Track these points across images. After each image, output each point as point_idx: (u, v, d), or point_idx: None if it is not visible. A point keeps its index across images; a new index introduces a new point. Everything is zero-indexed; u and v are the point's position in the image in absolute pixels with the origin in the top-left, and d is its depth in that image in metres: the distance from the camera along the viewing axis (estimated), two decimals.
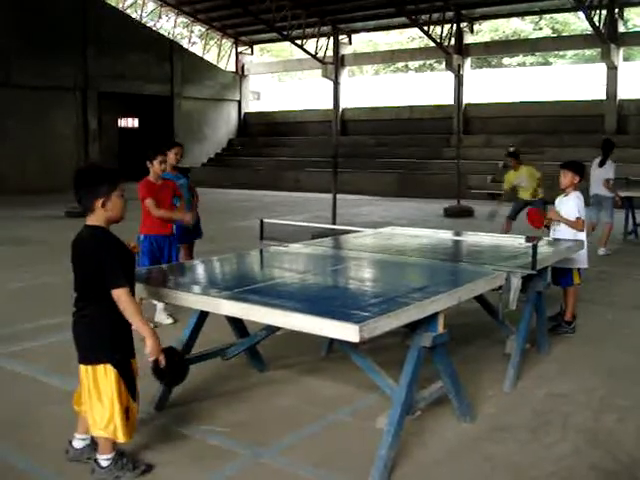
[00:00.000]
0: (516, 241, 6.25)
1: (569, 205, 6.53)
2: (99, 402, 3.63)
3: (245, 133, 33.84)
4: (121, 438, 3.66)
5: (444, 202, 18.45)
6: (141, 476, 3.76)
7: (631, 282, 9.08)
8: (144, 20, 31.94)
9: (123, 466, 3.73)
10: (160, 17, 33.31)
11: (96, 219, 3.64)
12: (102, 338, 3.64)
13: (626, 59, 25.54)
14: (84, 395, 3.71)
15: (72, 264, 3.69)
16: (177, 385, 3.70)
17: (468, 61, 27.46)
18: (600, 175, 11.23)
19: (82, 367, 3.69)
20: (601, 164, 11.27)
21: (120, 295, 3.54)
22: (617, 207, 11.37)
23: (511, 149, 12.05)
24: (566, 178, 6.58)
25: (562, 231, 6.52)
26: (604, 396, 4.98)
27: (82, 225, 3.73)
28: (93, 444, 3.88)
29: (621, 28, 24.09)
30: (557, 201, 6.72)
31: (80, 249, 3.66)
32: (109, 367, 3.63)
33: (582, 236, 6.42)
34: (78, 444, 3.92)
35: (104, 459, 3.72)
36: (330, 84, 29.84)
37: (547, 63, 36.92)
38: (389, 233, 7.17)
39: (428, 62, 37.29)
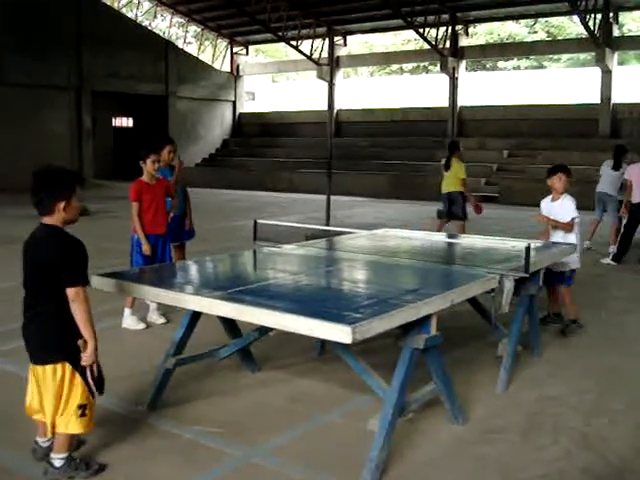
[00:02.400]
0: (509, 244, 6.26)
1: (566, 207, 6.53)
2: (53, 401, 3.61)
3: (239, 133, 33.81)
4: (62, 430, 3.64)
5: (437, 204, 18.41)
6: (94, 476, 3.73)
7: (625, 285, 9.11)
8: (139, 19, 31.91)
9: (77, 466, 3.71)
10: (155, 17, 33.34)
11: (54, 220, 3.61)
12: (56, 336, 3.63)
13: (620, 63, 25.63)
14: (37, 397, 3.70)
15: (25, 263, 3.66)
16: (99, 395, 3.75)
17: (463, 64, 27.51)
18: (613, 177, 11.49)
19: (38, 368, 3.65)
20: (615, 168, 11.51)
21: (77, 293, 3.54)
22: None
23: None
24: (561, 181, 6.59)
25: (556, 235, 6.55)
26: (596, 399, 4.99)
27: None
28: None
29: (616, 32, 24.19)
30: (544, 205, 6.74)
31: (37, 248, 3.63)
32: (67, 365, 3.61)
33: (572, 238, 6.45)
34: (45, 444, 3.88)
35: (58, 458, 3.69)
36: (325, 85, 29.83)
37: (542, 67, 37.02)
38: (382, 235, 7.17)
39: (423, 64, 37.36)
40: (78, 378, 3.64)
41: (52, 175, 3.67)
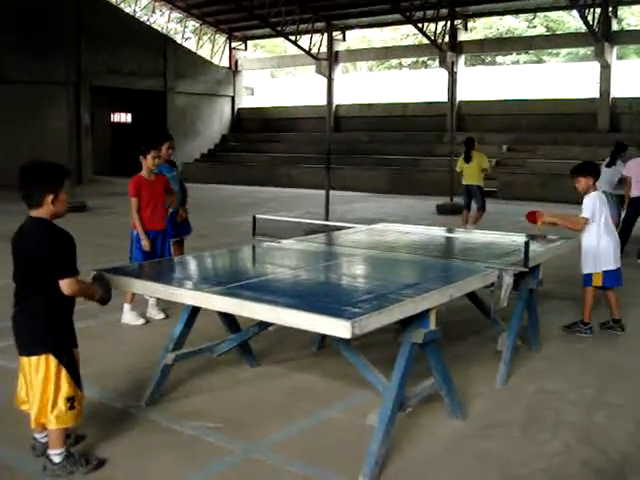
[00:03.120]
0: (509, 238, 6.26)
1: (583, 204, 6.42)
2: (39, 393, 3.64)
3: (238, 129, 33.76)
4: (54, 425, 3.66)
5: (437, 199, 18.44)
6: (93, 471, 3.74)
7: (625, 280, 9.07)
8: (138, 15, 31.85)
9: (76, 461, 3.72)
10: (154, 12, 33.21)
11: (42, 213, 3.64)
12: (45, 328, 3.66)
13: (619, 57, 25.60)
14: (24, 388, 3.75)
15: (14, 256, 3.70)
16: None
17: (462, 58, 27.49)
18: (607, 174, 11.23)
19: (24, 359, 3.69)
20: (609, 165, 11.36)
21: (70, 284, 3.58)
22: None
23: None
24: (579, 182, 6.43)
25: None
26: (595, 393, 4.99)
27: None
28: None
29: (615, 26, 24.16)
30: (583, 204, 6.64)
31: (25, 241, 3.65)
32: (51, 358, 3.63)
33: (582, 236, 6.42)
34: (43, 440, 3.89)
35: (56, 454, 3.70)
36: (324, 80, 29.79)
37: (541, 61, 36.97)
38: (381, 229, 7.16)
39: (422, 59, 37.27)
40: (64, 371, 3.66)
41: (40, 169, 3.70)
